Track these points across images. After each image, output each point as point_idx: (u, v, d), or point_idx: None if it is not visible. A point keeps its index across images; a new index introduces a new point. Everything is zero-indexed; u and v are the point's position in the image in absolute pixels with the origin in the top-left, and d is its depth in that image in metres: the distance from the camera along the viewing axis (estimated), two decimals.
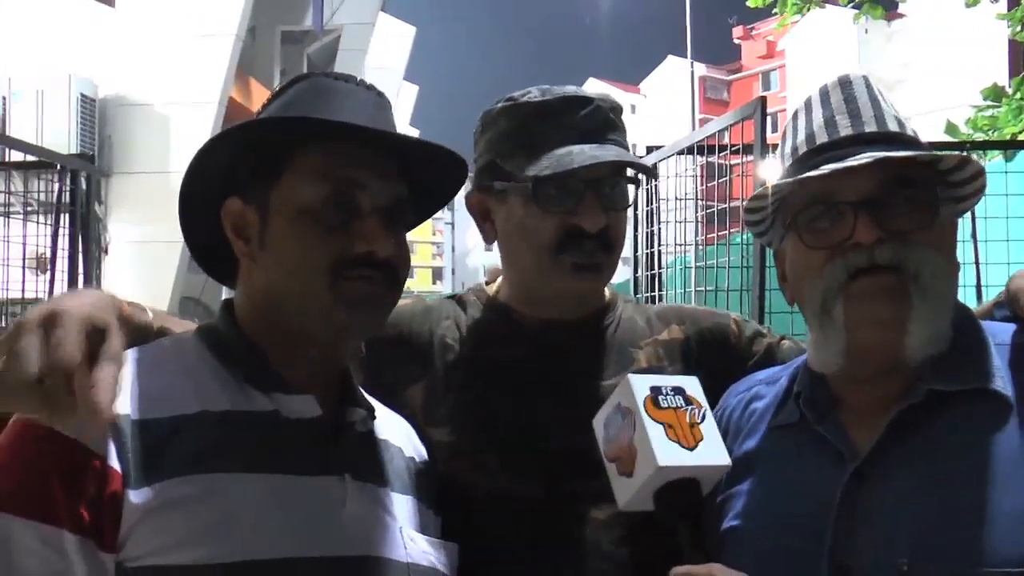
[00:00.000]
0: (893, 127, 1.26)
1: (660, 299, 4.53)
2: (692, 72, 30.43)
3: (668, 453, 1.15)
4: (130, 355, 1.15)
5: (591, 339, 1.55)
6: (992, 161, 4.81)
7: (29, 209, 5.33)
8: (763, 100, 3.72)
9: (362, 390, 1.33)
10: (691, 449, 1.17)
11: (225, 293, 1.52)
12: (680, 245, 4.64)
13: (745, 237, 3.93)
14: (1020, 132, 6.69)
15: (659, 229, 4.65)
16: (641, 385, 1.21)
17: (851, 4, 8.10)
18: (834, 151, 1.24)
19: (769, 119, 3.73)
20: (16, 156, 5.10)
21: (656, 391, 1.21)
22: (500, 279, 1.62)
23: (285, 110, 1.26)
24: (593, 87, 1.95)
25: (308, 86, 1.28)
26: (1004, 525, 1.10)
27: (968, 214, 1.57)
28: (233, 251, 1.26)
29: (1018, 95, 6.89)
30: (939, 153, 1.23)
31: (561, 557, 1.40)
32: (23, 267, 4.77)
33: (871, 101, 1.28)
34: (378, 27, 16.16)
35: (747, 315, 2.76)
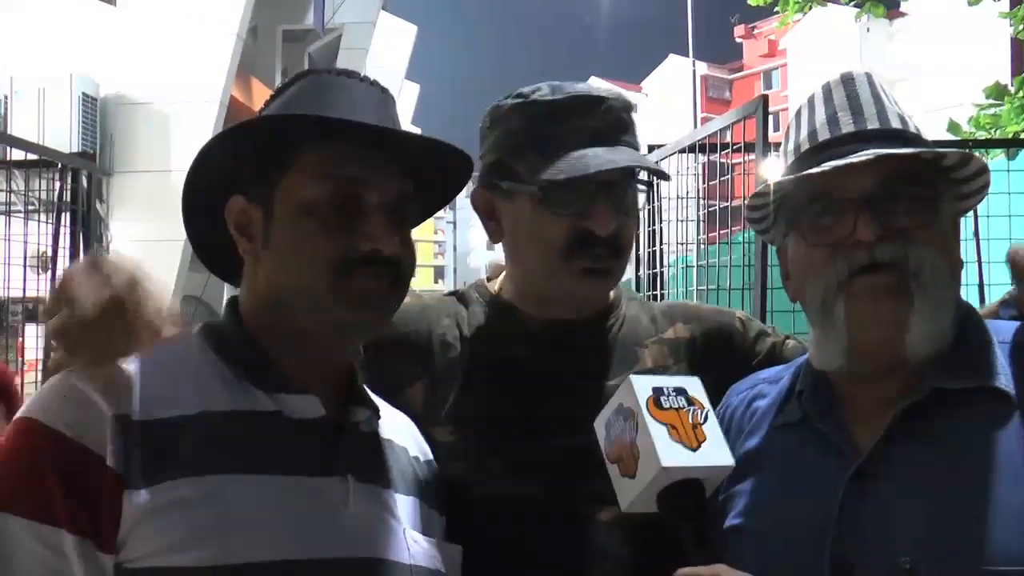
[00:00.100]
0: (895, 124, 1.25)
1: (662, 298, 4.53)
2: (694, 71, 30.39)
3: (671, 454, 1.15)
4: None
5: (596, 338, 1.53)
6: (995, 159, 4.80)
7: (31, 208, 5.32)
8: (765, 99, 3.73)
9: (368, 389, 1.32)
10: (694, 449, 1.17)
11: (227, 292, 1.52)
12: (682, 244, 4.64)
13: (747, 235, 3.92)
14: (1022, 130, 6.69)
15: (661, 228, 4.65)
16: (643, 386, 1.21)
17: (853, 3, 8.10)
18: (836, 148, 1.23)
19: (771, 118, 3.74)
20: (17, 155, 5.08)
21: (658, 392, 1.20)
22: (502, 275, 1.60)
23: (287, 108, 1.25)
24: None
25: (310, 83, 1.27)
26: (1007, 523, 1.10)
27: (971, 212, 1.56)
28: (237, 249, 1.26)
29: (1020, 93, 6.90)
30: (941, 150, 1.22)
31: (564, 557, 1.39)
32: (24, 266, 4.76)
33: (873, 98, 1.27)
34: (379, 26, 16.14)
35: (749, 314, 2.75)
